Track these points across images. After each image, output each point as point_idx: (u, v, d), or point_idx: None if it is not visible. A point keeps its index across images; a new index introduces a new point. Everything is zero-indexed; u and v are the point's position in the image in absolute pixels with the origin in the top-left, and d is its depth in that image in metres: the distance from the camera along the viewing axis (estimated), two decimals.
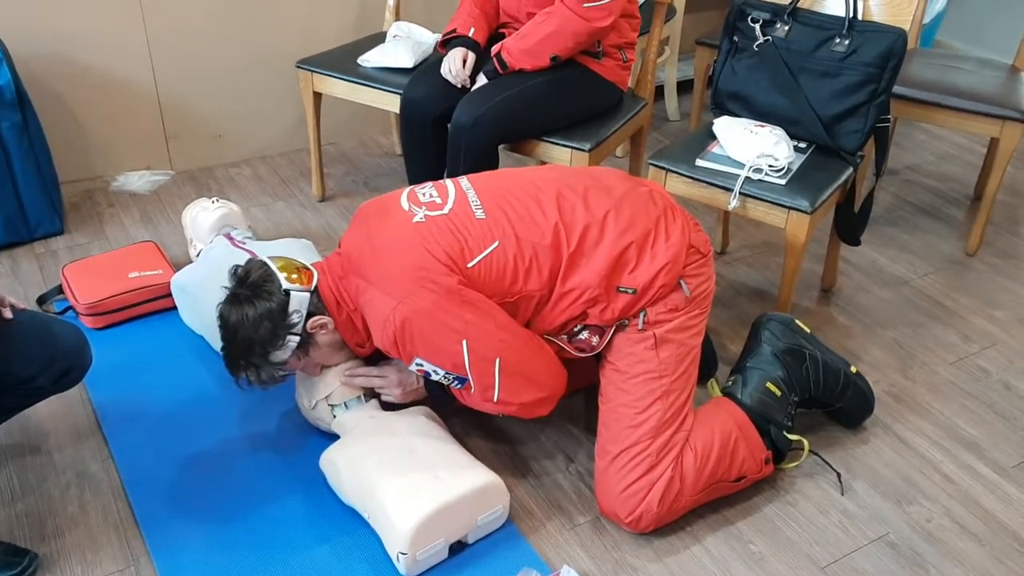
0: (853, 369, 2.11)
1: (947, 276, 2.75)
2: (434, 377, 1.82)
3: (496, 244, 1.80)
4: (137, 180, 3.08)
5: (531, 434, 2.11)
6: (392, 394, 2.01)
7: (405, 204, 1.86)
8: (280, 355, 1.85)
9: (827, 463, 2.05)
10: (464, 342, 1.75)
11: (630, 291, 1.84)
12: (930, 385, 2.31)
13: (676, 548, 1.84)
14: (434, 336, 1.75)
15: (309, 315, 1.86)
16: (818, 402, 2.09)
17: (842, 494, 1.99)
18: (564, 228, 1.82)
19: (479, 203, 1.85)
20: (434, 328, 1.74)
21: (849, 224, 2.45)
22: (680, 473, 1.82)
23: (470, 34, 2.44)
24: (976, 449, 2.11)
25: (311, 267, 1.91)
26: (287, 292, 1.83)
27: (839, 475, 2.03)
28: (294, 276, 1.86)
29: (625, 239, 1.84)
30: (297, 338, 1.85)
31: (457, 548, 1.80)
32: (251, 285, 1.84)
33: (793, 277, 2.26)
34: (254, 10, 3.05)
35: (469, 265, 1.78)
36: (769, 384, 1.98)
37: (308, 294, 1.85)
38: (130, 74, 2.96)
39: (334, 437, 2.00)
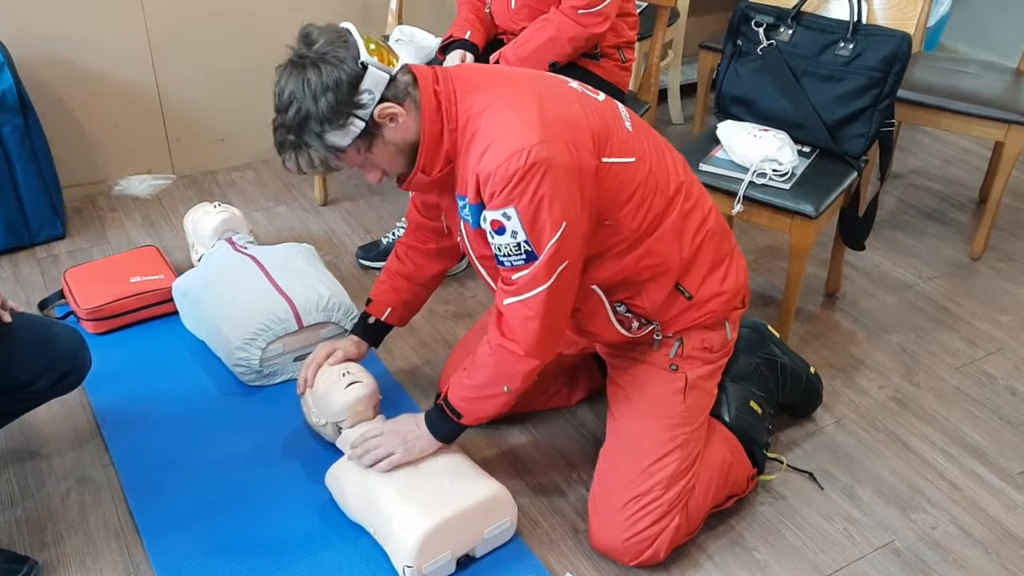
0: (812, 370, 2.15)
1: (952, 280, 2.74)
2: (502, 238, 1.58)
3: (633, 160, 1.67)
4: (139, 184, 3.08)
5: (535, 442, 2.10)
6: (396, 452, 1.79)
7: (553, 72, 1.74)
8: (339, 138, 1.59)
9: (799, 470, 2.04)
10: (564, 224, 1.57)
11: (686, 295, 1.77)
12: (935, 391, 2.30)
13: (680, 556, 1.82)
14: (548, 198, 1.54)
15: (383, 100, 1.59)
16: (778, 403, 2.11)
17: (822, 488, 1.99)
18: (685, 191, 1.74)
19: (628, 118, 1.73)
20: (554, 190, 1.54)
21: (853, 228, 2.43)
22: (686, 516, 1.78)
23: (467, 36, 2.44)
24: (982, 455, 2.10)
25: (398, 53, 1.64)
26: (364, 65, 1.56)
27: (811, 474, 2.03)
28: (375, 49, 1.58)
29: (714, 242, 1.79)
30: (362, 123, 1.58)
31: (465, 562, 1.78)
32: (319, 49, 1.56)
33: (797, 282, 2.25)
34: (256, 14, 3.04)
35: (604, 159, 1.62)
36: (752, 403, 1.97)
37: (387, 75, 1.58)
38: (132, 78, 2.96)
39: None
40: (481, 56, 2.46)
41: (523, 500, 1.94)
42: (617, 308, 1.79)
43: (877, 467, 2.06)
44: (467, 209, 1.65)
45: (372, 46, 1.58)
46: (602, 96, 1.74)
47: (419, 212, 1.97)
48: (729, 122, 2.35)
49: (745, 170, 2.20)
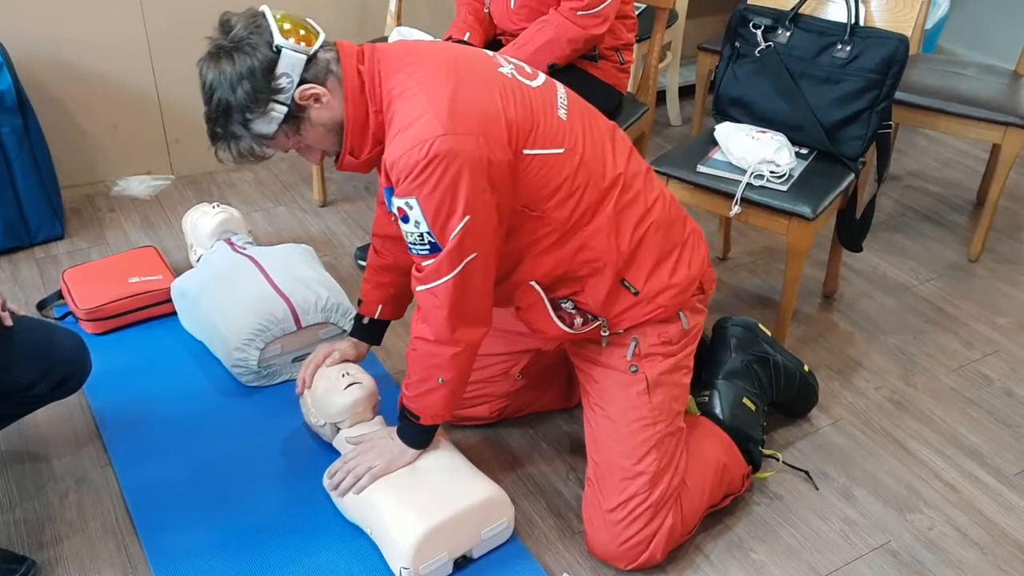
0: (806, 368, 2.15)
1: (949, 282, 2.74)
2: (407, 226, 1.58)
3: (562, 151, 1.62)
4: (138, 185, 3.08)
5: (533, 443, 2.11)
6: (377, 463, 1.79)
7: (489, 53, 1.68)
8: (264, 126, 1.58)
9: (795, 468, 2.05)
10: (467, 218, 1.55)
11: (632, 290, 1.73)
12: (932, 392, 2.30)
13: (677, 556, 1.83)
14: (451, 190, 1.52)
15: (303, 82, 1.57)
16: (772, 402, 2.11)
17: (817, 488, 1.99)
18: (622, 184, 1.68)
19: (565, 103, 1.67)
20: (456, 183, 1.52)
21: (851, 230, 2.44)
22: (680, 516, 1.78)
23: (465, 38, 2.44)
24: (978, 457, 2.10)
25: (319, 29, 1.63)
26: (278, 49, 1.54)
27: (807, 473, 2.03)
28: (289, 29, 1.56)
29: (659, 235, 1.73)
30: (284, 108, 1.57)
31: (462, 563, 1.78)
32: (235, 37, 1.55)
33: (795, 283, 2.26)
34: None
35: (525, 151, 1.59)
36: (745, 400, 1.98)
37: (304, 57, 1.56)
38: (131, 79, 2.96)
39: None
40: None
41: (521, 501, 1.94)
42: (563, 304, 1.76)
43: (874, 468, 2.07)
44: (385, 192, 1.63)
45: (287, 26, 1.56)
46: (539, 80, 1.68)
47: (381, 198, 1.95)
48: (727, 124, 2.35)
49: (743, 172, 2.21)
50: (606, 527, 1.75)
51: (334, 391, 1.91)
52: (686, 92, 3.71)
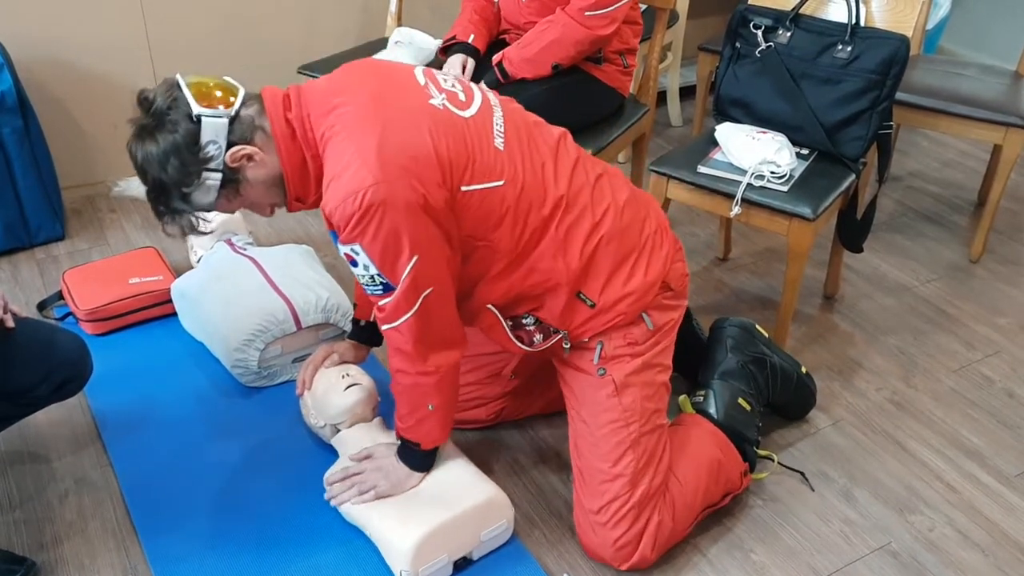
0: (803, 370, 2.14)
1: (950, 283, 2.74)
2: (357, 270, 1.57)
3: (501, 183, 1.59)
4: (138, 185, 3.03)
5: (533, 444, 2.11)
6: (381, 484, 1.78)
7: (421, 79, 1.63)
8: (203, 197, 1.58)
9: (791, 468, 2.05)
10: (415, 257, 1.53)
11: (588, 303, 1.71)
12: (933, 393, 2.30)
13: (676, 557, 1.83)
14: (392, 234, 1.50)
15: (230, 144, 1.55)
16: (769, 403, 2.11)
17: (812, 490, 1.99)
18: (565, 205, 1.65)
19: (502, 131, 1.64)
20: (396, 227, 1.50)
21: (852, 231, 2.44)
22: (672, 512, 1.77)
23: (470, 40, 2.44)
24: (979, 458, 2.10)
25: (237, 85, 1.61)
26: (198, 118, 1.53)
27: (803, 474, 2.03)
28: (208, 95, 1.55)
29: (611, 246, 1.70)
30: (219, 175, 1.56)
31: (462, 565, 1.78)
32: (155, 113, 1.54)
33: (795, 284, 2.26)
34: (255, 15, 3.04)
35: (463, 188, 1.56)
36: (741, 400, 1.97)
37: (226, 120, 1.55)
38: (132, 79, 2.96)
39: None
40: (483, 58, 2.46)
41: (520, 502, 1.94)
42: (523, 320, 1.76)
43: (874, 469, 2.06)
44: (331, 235, 1.62)
45: (207, 91, 1.55)
46: (474, 108, 1.63)
47: None
48: (728, 124, 2.35)
49: (743, 172, 2.21)
50: (593, 530, 1.76)
51: (334, 392, 1.91)
52: (687, 92, 3.71)
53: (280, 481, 1.96)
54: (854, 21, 2.24)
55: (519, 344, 1.79)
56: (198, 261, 2.49)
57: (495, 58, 2.38)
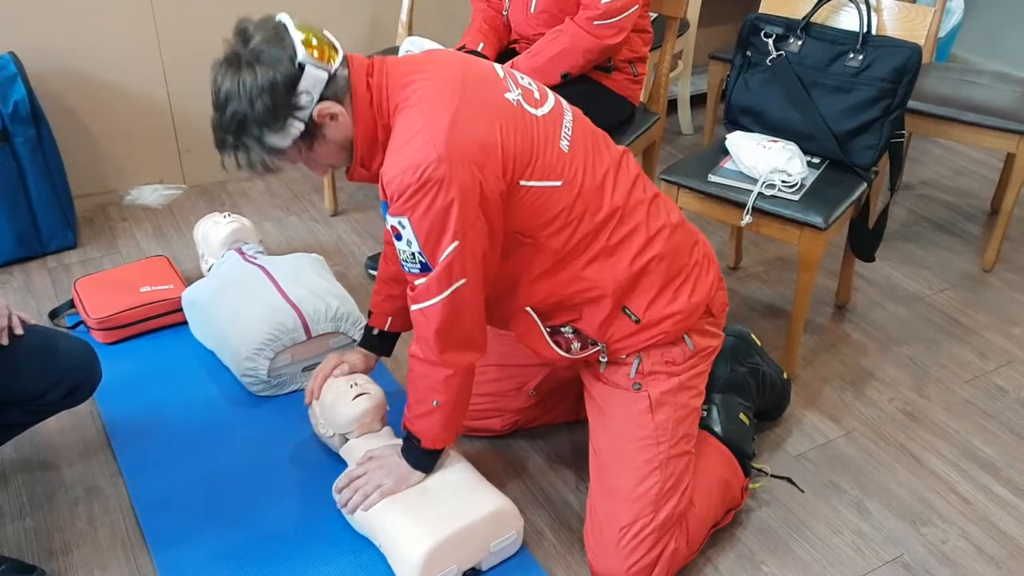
0: (785, 375, 2.17)
1: (963, 292, 2.72)
2: (400, 243, 1.57)
3: (559, 184, 1.60)
4: (150, 194, 3.09)
5: (543, 454, 2.10)
6: (386, 482, 1.78)
7: (500, 72, 1.65)
8: (278, 141, 1.56)
9: (779, 477, 2.04)
10: (456, 242, 1.54)
11: (633, 318, 1.71)
12: (946, 403, 2.28)
13: (687, 568, 1.81)
14: (442, 214, 1.51)
15: (322, 99, 1.55)
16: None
17: (802, 491, 2.00)
18: (620, 216, 1.66)
19: (570, 134, 1.65)
20: (447, 208, 1.50)
21: (863, 240, 2.43)
22: (687, 538, 1.75)
23: (479, 48, 2.44)
24: (993, 469, 2.08)
25: (339, 45, 1.60)
26: (301, 66, 1.51)
27: (790, 480, 2.03)
28: (315, 46, 1.53)
29: (663, 264, 1.71)
30: (303, 125, 1.55)
31: (471, 575, 1.77)
32: (254, 48, 1.50)
33: (807, 293, 2.24)
34: None
35: (522, 183, 1.57)
36: (741, 415, 1.97)
37: (326, 75, 1.54)
38: (144, 89, 2.97)
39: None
40: None
41: (530, 512, 1.93)
42: (562, 329, 1.76)
43: (887, 480, 2.05)
44: (382, 205, 1.62)
45: (314, 41, 1.54)
46: (547, 107, 1.66)
47: None
48: (738, 133, 2.34)
49: (754, 181, 2.20)
50: (610, 552, 1.71)
51: (342, 402, 1.91)
52: (697, 101, 3.70)
53: (289, 491, 1.96)
54: (865, 29, 2.24)
55: (557, 349, 1.77)
56: (209, 270, 2.50)
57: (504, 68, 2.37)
